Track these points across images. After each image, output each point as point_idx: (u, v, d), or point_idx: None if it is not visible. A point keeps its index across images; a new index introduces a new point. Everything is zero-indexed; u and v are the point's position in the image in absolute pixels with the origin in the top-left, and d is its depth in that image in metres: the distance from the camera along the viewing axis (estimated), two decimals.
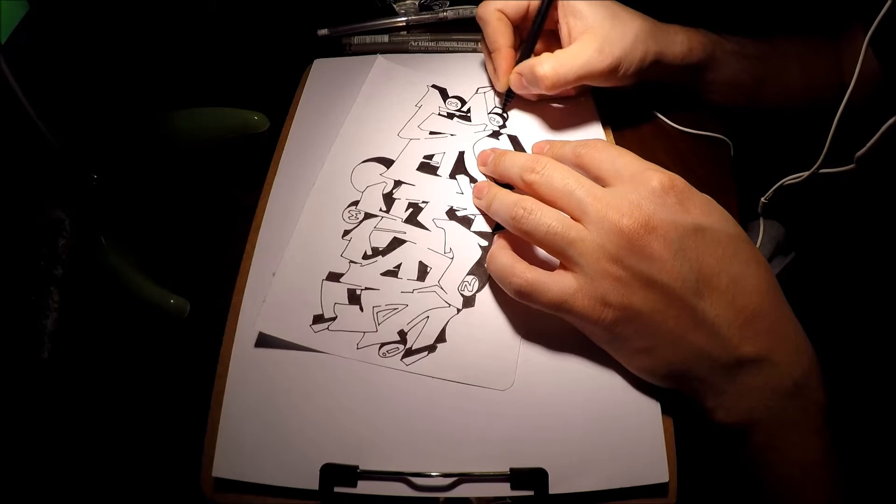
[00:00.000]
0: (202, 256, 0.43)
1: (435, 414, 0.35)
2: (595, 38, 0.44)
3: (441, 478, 0.32)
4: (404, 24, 0.57)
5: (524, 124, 0.48)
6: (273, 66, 0.56)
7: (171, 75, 0.55)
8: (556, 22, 0.47)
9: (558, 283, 0.33)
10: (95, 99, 0.52)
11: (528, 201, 0.35)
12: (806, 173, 0.43)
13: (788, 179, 0.45)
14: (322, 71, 0.53)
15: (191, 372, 0.37)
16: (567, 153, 0.38)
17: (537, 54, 0.47)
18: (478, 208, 0.42)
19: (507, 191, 0.38)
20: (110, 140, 0.49)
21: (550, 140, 0.41)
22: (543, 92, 0.45)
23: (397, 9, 0.58)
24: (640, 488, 0.33)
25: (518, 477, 0.33)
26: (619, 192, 0.33)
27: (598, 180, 0.36)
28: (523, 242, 0.38)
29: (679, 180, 0.34)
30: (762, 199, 0.48)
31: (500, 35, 0.47)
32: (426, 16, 0.58)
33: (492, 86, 0.50)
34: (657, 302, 0.32)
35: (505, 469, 0.33)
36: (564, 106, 0.49)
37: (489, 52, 0.49)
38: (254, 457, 0.33)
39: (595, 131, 0.48)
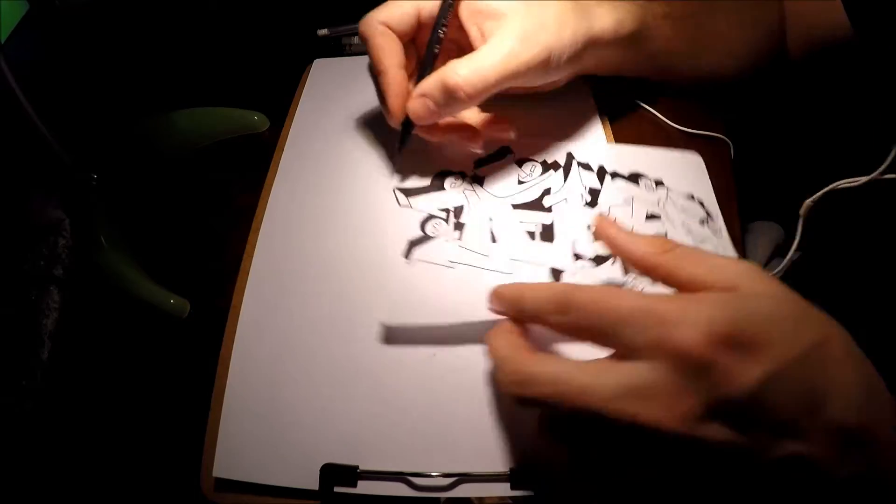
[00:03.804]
0: (202, 256, 0.43)
1: (435, 414, 0.35)
2: (513, 27, 0.37)
3: (441, 478, 0.32)
4: None
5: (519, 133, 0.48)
6: (273, 66, 0.56)
7: (171, 75, 0.55)
8: (462, 28, 0.39)
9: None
10: (95, 99, 0.52)
11: None
12: (864, 178, 0.36)
13: (842, 183, 0.37)
14: (322, 71, 0.53)
15: (191, 372, 0.37)
16: (539, 310, 0.28)
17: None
18: None
19: None
20: (110, 140, 0.49)
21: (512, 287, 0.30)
22: (459, 109, 0.38)
23: None
24: None
25: (518, 476, 0.33)
26: (646, 384, 0.24)
27: (599, 342, 0.26)
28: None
29: (728, 320, 0.23)
30: (807, 202, 0.39)
31: (386, 54, 0.38)
32: None
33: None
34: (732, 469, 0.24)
35: (505, 469, 0.33)
36: (560, 107, 0.49)
37: (374, 78, 0.40)
38: (254, 457, 0.33)
39: (595, 131, 0.48)
